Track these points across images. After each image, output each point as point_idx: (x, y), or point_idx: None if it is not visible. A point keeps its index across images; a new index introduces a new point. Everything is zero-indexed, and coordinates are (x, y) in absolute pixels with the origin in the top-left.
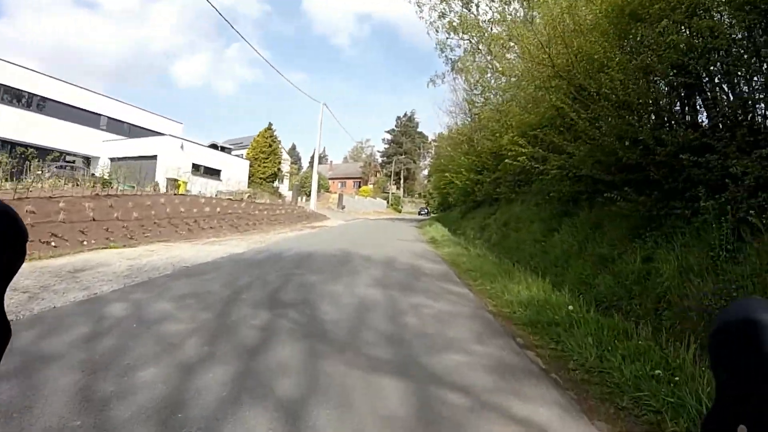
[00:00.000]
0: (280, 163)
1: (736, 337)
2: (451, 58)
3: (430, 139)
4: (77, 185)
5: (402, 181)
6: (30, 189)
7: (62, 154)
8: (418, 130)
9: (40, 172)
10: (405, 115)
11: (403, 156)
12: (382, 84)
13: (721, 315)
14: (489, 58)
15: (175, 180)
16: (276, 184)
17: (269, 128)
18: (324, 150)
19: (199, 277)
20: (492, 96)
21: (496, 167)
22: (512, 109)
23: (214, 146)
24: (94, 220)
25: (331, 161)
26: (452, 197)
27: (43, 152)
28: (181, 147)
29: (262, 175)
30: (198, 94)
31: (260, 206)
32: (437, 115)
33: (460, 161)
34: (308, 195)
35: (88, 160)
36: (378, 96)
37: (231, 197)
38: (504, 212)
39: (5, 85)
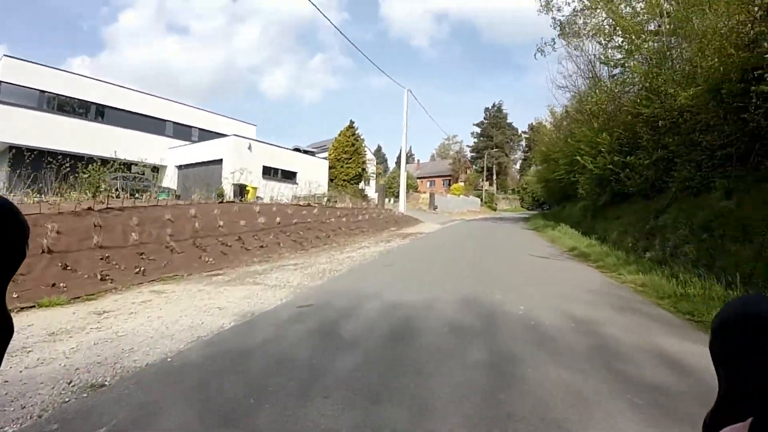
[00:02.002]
0: (364, 163)
1: (739, 333)
2: (559, 20)
3: (520, 131)
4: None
5: (494, 177)
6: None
7: (124, 164)
8: (508, 121)
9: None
10: (494, 105)
11: (495, 149)
12: (463, 81)
13: (723, 310)
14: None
15: (243, 186)
16: (361, 186)
17: (351, 126)
18: (410, 149)
19: None
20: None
21: (656, 143)
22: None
23: (297, 150)
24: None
25: (418, 160)
26: (582, 188)
27: (105, 163)
28: (249, 147)
29: (345, 177)
30: (283, 105)
31: (339, 211)
32: (534, 99)
33: (594, 139)
34: (396, 196)
35: (156, 169)
36: (460, 95)
37: (300, 203)
38: (689, 208)
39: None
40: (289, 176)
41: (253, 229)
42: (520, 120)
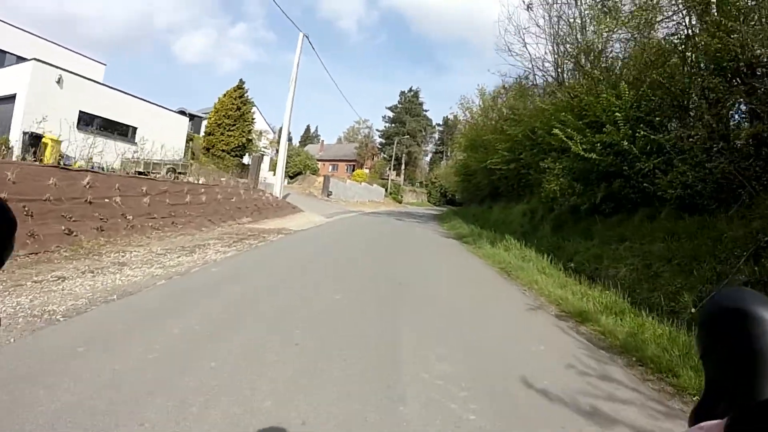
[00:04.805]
0: (250, 132)
1: (724, 328)
2: None
3: (434, 123)
4: None
5: (403, 167)
6: None
7: None
8: (424, 108)
9: None
10: (410, 90)
11: (406, 137)
12: (384, 71)
13: (708, 305)
14: None
15: (37, 137)
16: (246, 161)
17: (240, 87)
18: (317, 129)
19: None
20: None
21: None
22: None
23: (181, 112)
24: None
25: (322, 141)
26: (552, 183)
27: None
28: (59, 82)
29: (225, 147)
30: (198, 71)
31: (171, 192)
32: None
33: (607, 100)
34: (292, 177)
35: None
36: (379, 83)
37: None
38: None
39: None
40: (123, 132)
41: None
42: (436, 114)
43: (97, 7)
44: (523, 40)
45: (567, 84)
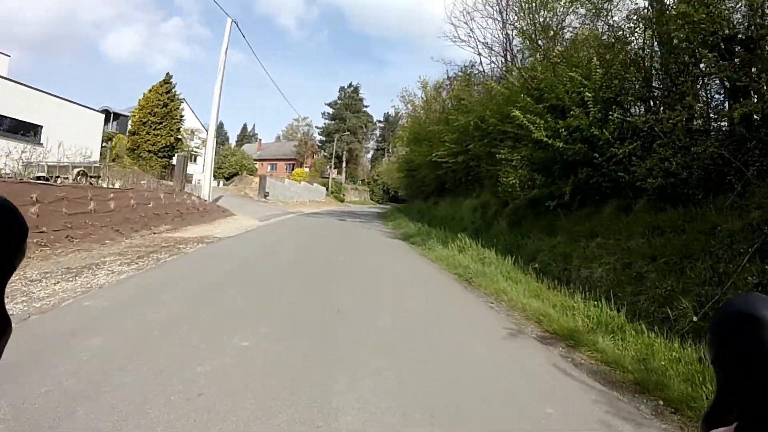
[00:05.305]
0: (178, 131)
1: (736, 333)
2: None
3: (375, 119)
4: None
5: (344, 165)
6: None
7: None
8: (365, 104)
9: None
10: (350, 86)
11: (347, 133)
12: (323, 68)
13: (720, 309)
14: None
15: None
16: (176, 161)
17: (167, 81)
18: (254, 128)
19: None
20: None
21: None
22: None
23: (105, 111)
24: None
25: (260, 140)
26: (509, 176)
27: None
28: None
29: (151, 147)
30: (129, 70)
31: (70, 199)
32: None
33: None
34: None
35: None
36: (318, 81)
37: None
38: None
39: None
40: (27, 130)
41: None
42: (377, 111)
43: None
44: (471, 24)
45: (520, 67)
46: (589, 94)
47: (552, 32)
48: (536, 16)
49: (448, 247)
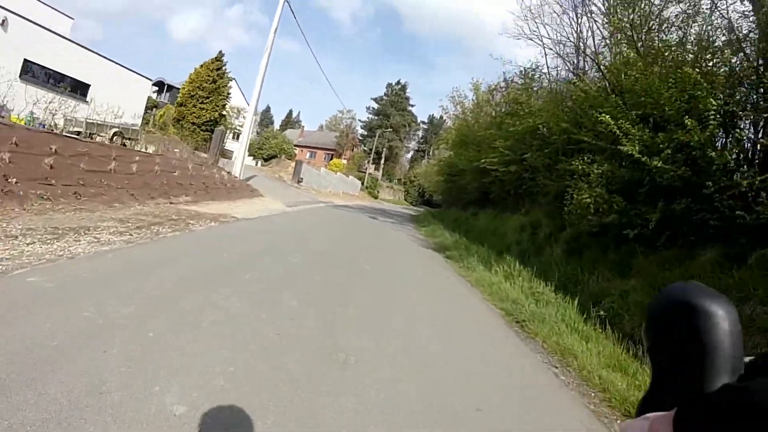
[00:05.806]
0: (224, 107)
1: (671, 321)
2: None
3: (419, 120)
4: None
5: (382, 161)
6: None
7: None
8: (411, 103)
9: None
10: (398, 83)
11: (389, 130)
12: (374, 65)
13: (656, 298)
14: None
15: None
16: (214, 135)
17: (218, 59)
18: (298, 115)
19: None
20: None
21: None
22: None
23: (160, 83)
24: None
25: (303, 127)
26: (582, 193)
27: None
28: (2, 24)
29: (195, 119)
30: (189, 48)
31: (92, 155)
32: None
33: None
34: (266, 159)
35: None
36: (367, 77)
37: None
38: None
39: None
40: (75, 88)
41: None
42: (421, 112)
43: None
44: (540, 19)
45: (603, 64)
46: (714, 102)
47: (647, 28)
48: (632, 10)
49: (491, 270)
